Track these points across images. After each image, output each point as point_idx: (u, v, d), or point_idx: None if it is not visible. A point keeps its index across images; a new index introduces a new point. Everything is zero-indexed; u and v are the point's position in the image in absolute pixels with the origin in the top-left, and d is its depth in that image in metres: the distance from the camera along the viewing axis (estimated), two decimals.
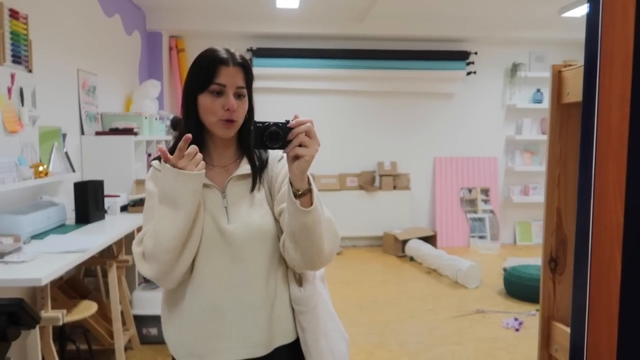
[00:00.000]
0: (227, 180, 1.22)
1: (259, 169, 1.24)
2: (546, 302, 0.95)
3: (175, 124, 4.81)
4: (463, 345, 3.29)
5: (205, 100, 1.17)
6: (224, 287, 1.18)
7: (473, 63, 5.93)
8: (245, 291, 1.18)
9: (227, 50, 1.19)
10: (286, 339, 1.23)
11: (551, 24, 5.56)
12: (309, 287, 1.24)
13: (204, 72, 1.16)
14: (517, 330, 3.52)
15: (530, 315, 3.77)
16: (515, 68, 6.01)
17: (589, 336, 0.58)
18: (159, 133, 4.50)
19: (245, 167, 1.23)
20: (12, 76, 2.72)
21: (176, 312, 1.21)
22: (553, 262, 0.95)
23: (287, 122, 1.06)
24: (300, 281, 1.24)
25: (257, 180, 1.23)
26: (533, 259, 4.68)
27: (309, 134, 1.06)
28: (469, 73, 5.94)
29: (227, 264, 1.18)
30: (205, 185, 1.20)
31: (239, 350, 1.18)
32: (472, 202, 6.12)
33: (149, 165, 1.29)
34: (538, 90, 6.05)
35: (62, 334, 2.56)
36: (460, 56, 5.88)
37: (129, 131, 3.76)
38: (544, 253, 0.95)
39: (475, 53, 5.93)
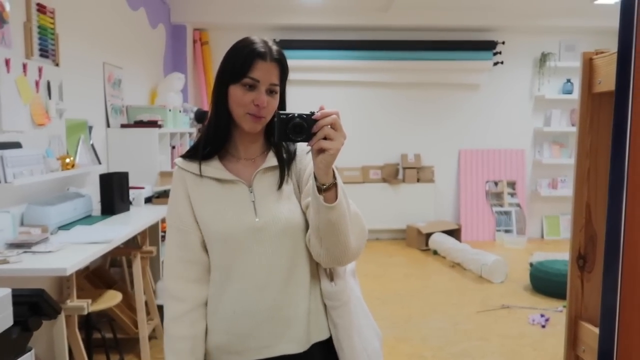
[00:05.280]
0: (253, 173, 1.19)
1: (286, 162, 1.21)
2: (574, 301, 0.91)
3: (199, 117, 4.85)
4: (487, 341, 3.23)
5: (236, 92, 1.14)
6: (255, 286, 1.15)
7: (500, 53, 5.79)
8: (277, 288, 1.16)
9: (265, 43, 1.15)
10: (321, 335, 1.20)
11: (583, 12, 5.38)
12: (341, 282, 1.20)
13: (240, 63, 1.13)
14: (543, 326, 3.44)
15: (557, 311, 3.69)
16: (544, 58, 5.84)
17: (620, 340, 0.54)
18: (183, 125, 4.54)
19: (272, 160, 1.20)
20: (40, 69, 2.77)
21: (209, 318, 1.20)
22: (581, 259, 0.91)
23: (312, 113, 1.03)
24: (331, 276, 1.21)
25: (286, 173, 1.20)
26: (561, 254, 4.57)
27: (334, 126, 1.02)
28: (495, 63, 5.81)
29: (258, 262, 1.15)
30: (230, 182, 1.18)
31: (276, 347, 1.16)
32: (498, 196, 6.01)
33: (174, 164, 1.28)
34: (568, 81, 5.87)
35: (88, 323, 2.61)
36: (487, 46, 5.75)
37: (153, 124, 3.80)
38: (572, 250, 0.91)
39: (503, 43, 5.79)
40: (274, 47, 1.16)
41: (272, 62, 1.14)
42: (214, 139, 1.20)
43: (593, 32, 5.72)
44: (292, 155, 1.23)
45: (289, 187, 1.20)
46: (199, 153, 1.20)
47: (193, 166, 1.20)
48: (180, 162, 1.23)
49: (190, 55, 5.51)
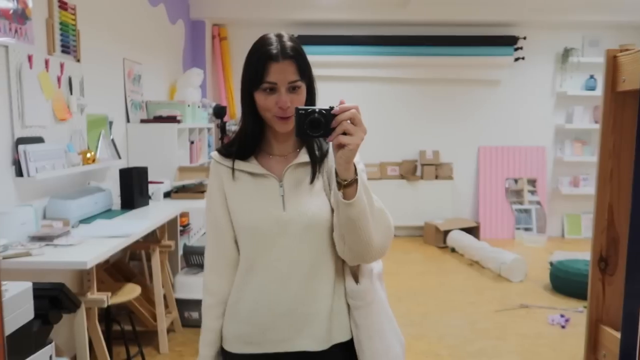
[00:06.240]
0: (285, 168, 1.20)
1: (318, 158, 1.21)
2: (594, 304, 0.89)
3: (218, 112, 4.88)
4: (505, 340, 3.20)
5: (259, 98, 1.15)
6: (277, 279, 1.16)
7: (522, 48, 5.70)
8: (299, 283, 1.16)
9: (279, 40, 1.14)
10: (343, 336, 1.20)
11: (606, 6, 5.25)
12: (366, 281, 1.20)
13: (254, 69, 1.13)
14: (563, 327, 3.39)
15: (578, 312, 3.63)
16: (566, 53, 5.73)
17: None
18: (202, 121, 4.57)
19: (304, 156, 1.20)
20: (62, 65, 2.81)
21: (232, 307, 1.21)
22: (603, 262, 0.89)
23: (332, 108, 1.02)
24: (356, 275, 1.21)
25: (317, 170, 1.20)
26: (582, 254, 4.49)
27: (354, 121, 1.01)
28: (517, 59, 5.71)
29: (281, 255, 1.16)
30: (261, 175, 1.19)
31: (294, 342, 1.17)
32: (518, 193, 5.93)
33: (208, 158, 1.30)
34: (591, 77, 5.75)
35: (108, 315, 2.65)
36: (508, 41, 5.66)
37: (172, 119, 3.84)
38: (593, 252, 0.89)
39: (524, 38, 5.69)
40: (288, 44, 1.14)
41: (286, 60, 1.12)
42: (247, 144, 1.22)
43: (617, 27, 5.59)
44: (324, 152, 1.23)
45: (319, 183, 1.20)
46: (233, 152, 1.22)
47: (228, 161, 1.23)
48: (216, 156, 1.25)
49: (209, 50, 5.54)
